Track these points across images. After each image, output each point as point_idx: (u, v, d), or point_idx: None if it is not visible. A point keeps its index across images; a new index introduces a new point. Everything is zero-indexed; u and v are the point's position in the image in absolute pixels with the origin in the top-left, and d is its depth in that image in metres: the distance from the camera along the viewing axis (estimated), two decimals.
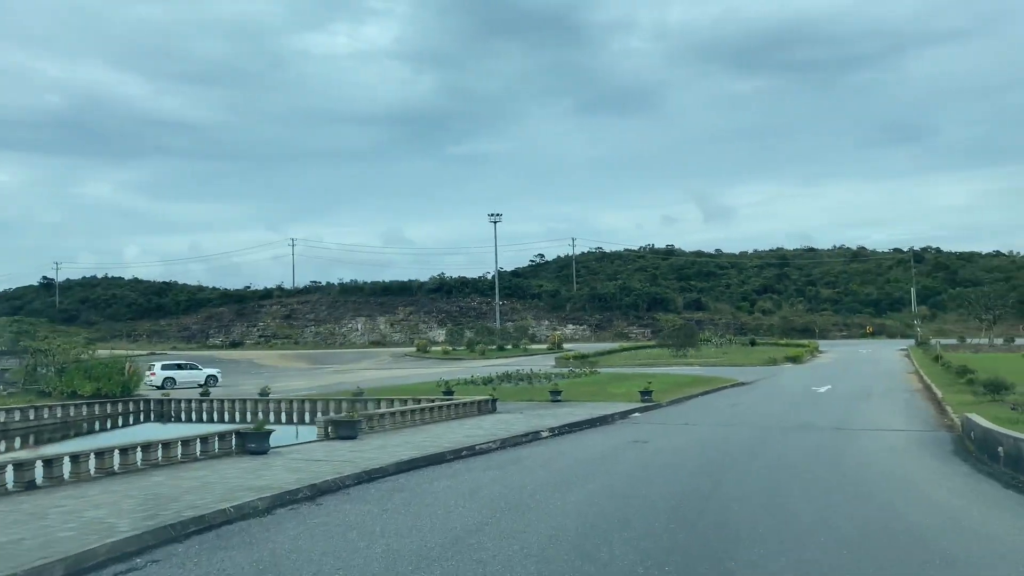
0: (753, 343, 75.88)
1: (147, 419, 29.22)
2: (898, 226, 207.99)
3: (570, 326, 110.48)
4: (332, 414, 24.05)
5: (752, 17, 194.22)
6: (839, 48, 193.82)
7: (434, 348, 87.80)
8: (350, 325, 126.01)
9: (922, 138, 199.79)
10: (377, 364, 76.07)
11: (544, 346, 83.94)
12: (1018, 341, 74.01)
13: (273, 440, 16.10)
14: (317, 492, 10.39)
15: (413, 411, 19.18)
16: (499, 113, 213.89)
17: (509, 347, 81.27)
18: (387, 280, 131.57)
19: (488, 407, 22.21)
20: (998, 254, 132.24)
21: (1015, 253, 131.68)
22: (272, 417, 26.81)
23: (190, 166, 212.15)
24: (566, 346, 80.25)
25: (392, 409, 19.20)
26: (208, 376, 45.84)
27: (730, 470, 11.88)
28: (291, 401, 27.23)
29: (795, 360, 53.56)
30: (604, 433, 17.94)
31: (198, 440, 13.54)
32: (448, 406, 20.63)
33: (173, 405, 29.42)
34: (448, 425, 18.67)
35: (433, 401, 22.16)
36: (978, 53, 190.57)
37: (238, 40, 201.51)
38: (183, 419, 28.30)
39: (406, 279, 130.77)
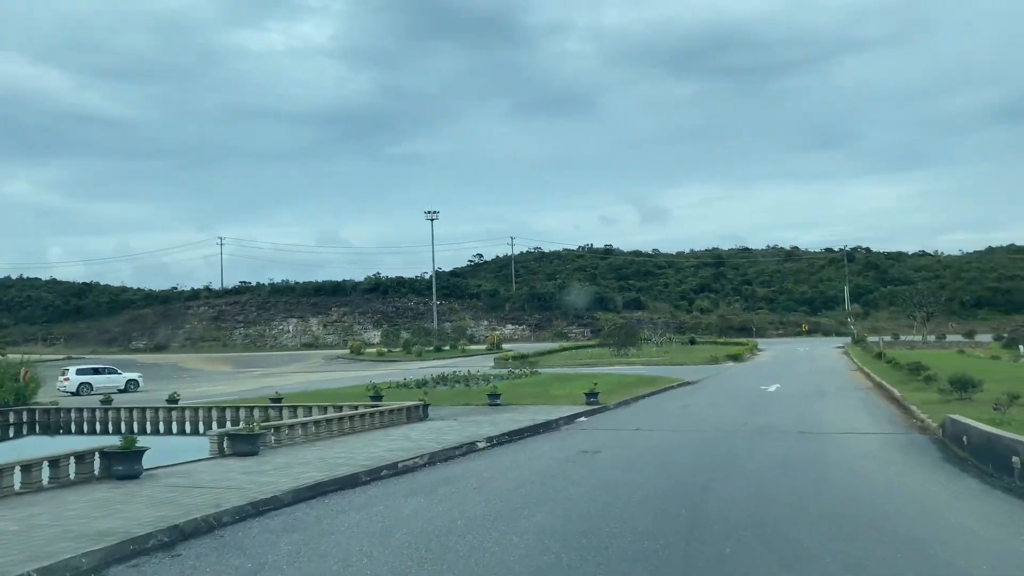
0: (693, 342, 75.35)
1: (32, 431, 25.79)
2: (827, 227, 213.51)
3: (509, 326, 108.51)
4: (242, 423, 21.34)
5: (686, 22, 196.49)
6: (769, 54, 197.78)
7: (369, 350, 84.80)
8: (281, 327, 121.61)
9: (848, 143, 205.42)
10: (308, 367, 72.91)
11: (483, 346, 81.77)
12: (950, 338, 75.25)
13: (155, 458, 13.45)
14: (179, 536, 7.87)
15: (329, 420, 16.65)
16: (437, 113, 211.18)
17: (447, 348, 78.86)
18: (320, 280, 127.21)
19: (419, 413, 19.83)
20: (924, 254, 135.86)
21: (939, 252, 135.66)
22: (175, 427, 23.91)
23: (117, 164, 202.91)
24: (505, 346, 78.24)
25: (303, 419, 16.64)
26: (128, 381, 42.62)
27: (705, 491, 9.82)
28: (196, 409, 24.26)
29: (736, 358, 52.80)
30: (549, 442, 15.80)
31: (45, 464, 10.82)
32: (372, 414, 18.17)
33: (63, 415, 26.01)
34: (371, 436, 16.23)
35: (356, 408, 19.69)
36: (898, 61, 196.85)
37: (167, 35, 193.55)
38: (74, 431, 24.99)
39: (340, 279, 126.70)
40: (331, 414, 17.69)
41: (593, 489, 10.11)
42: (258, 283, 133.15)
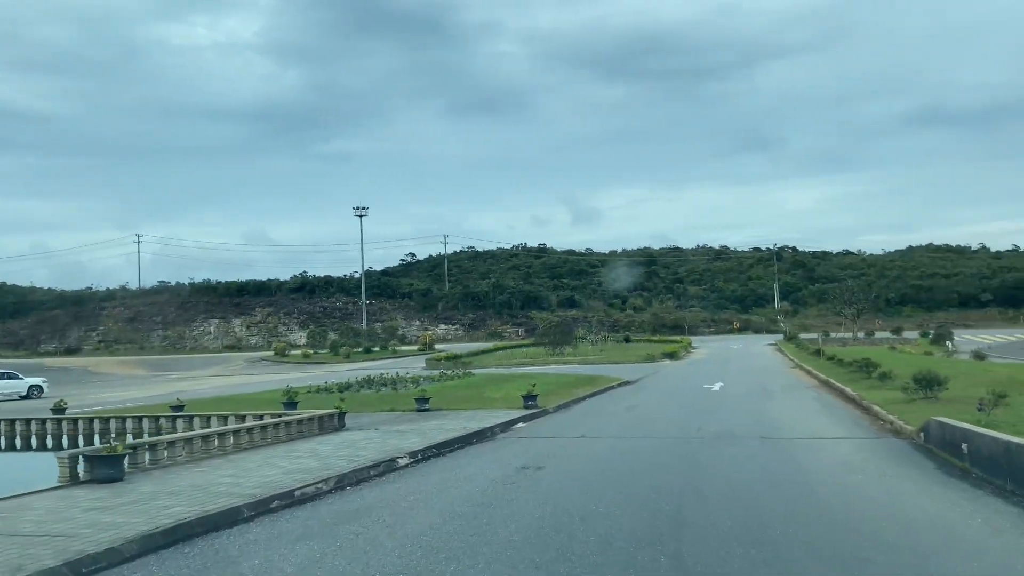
0: (628, 340, 74.77)
1: None
2: (755, 228, 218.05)
3: (442, 326, 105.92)
4: (130, 436, 18.49)
5: (616, 26, 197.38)
6: (697, 59, 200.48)
7: (294, 352, 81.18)
8: (202, 328, 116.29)
9: (772, 146, 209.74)
10: (228, 370, 69.38)
11: (415, 347, 79.18)
12: (878, 335, 76.27)
13: None
14: None
15: (223, 434, 14.01)
16: (369, 112, 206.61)
17: (377, 349, 75.96)
18: (244, 279, 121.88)
19: (333, 423, 17.32)
20: (848, 253, 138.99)
21: (862, 252, 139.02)
22: (51, 442, 20.71)
23: (32, 161, 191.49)
24: (438, 347, 75.82)
25: (188, 434, 13.91)
26: (31, 387, 39.32)
27: (680, 525, 7.73)
28: (76, 420, 21.11)
29: (672, 356, 51.98)
30: (483, 455, 13.58)
31: None
32: (277, 425, 15.58)
33: None
34: (272, 452, 13.70)
35: (262, 417, 17.09)
36: (821, 67, 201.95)
37: (87, 27, 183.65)
38: None
39: (265, 278, 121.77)
40: (228, 426, 15.07)
41: (540, 525, 7.90)
42: (178, 283, 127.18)
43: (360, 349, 74.24)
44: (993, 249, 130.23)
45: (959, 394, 18.77)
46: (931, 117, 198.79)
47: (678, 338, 74.01)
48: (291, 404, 22.89)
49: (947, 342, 61.96)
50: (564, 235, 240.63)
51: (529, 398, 21.17)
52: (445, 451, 13.99)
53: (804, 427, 16.67)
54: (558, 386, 27.54)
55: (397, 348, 77.85)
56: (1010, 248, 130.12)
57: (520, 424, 18.39)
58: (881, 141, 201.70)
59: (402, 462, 12.46)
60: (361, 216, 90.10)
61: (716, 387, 28.33)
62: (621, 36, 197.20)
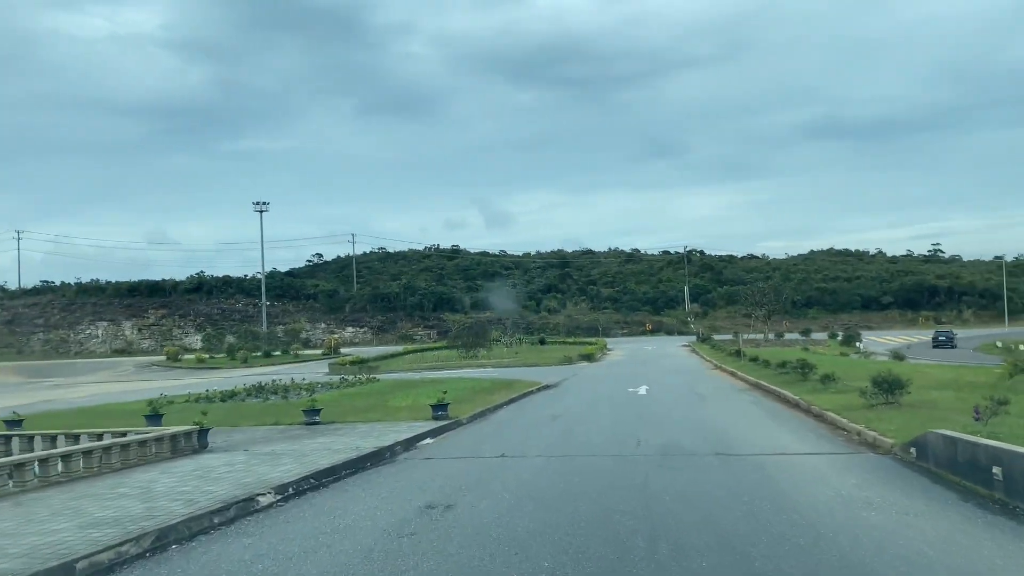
0: (543, 342, 72.73)
1: None
2: (663, 233, 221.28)
3: (349, 329, 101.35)
4: None
5: (528, 32, 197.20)
6: (606, 67, 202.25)
7: (188, 356, 75.51)
8: (89, 331, 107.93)
9: (678, 154, 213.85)
10: (114, 376, 63.74)
11: (319, 351, 74.77)
12: (788, 336, 76.75)
13: None
14: None
15: (21, 465, 10.41)
16: (276, 110, 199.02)
17: (278, 353, 71.28)
18: (135, 279, 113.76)
19: (192, 443, 13.82)
20: (753, 257, 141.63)
21: (766, 256, 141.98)
22: None
23: None
24: (344, 350, 71.80)
25: None
26: None
27: None
28: None
29: (589, 358, 50.26)
30: (376, 487, 10.49)
31: None
32: (111, 448, 12.02)
33: None
34: (89, 488, 10.20)
35: (101, 437, 13.49)
36: (725, 78, 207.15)
37: None
38: None
39: (160, 278, 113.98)
40: (33, 453, 11.44)
41: None
42: (63, 283, 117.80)
43: (260, 353, 69.46)
44: (889, 254, 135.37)
45: (918, 399, 16.98)
46: (828, 128, 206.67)
47: (594, 340, 72.58)
48: (155, 417, 19.25)
49: (856, 343, 62.52)
50: (478, 238, 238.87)
51: (439, 408, 18.20)
52: (327, 481, 10.83)
53: (759, 440, 14.28)
54: (472, 392, 24.74)
55: (300, 352, 73.40)
56: (905, 253, 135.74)
57: (427, 440, 15.37)
58: (781, 150, 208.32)
59: (264, 500, 9.23)
60: (261, 212, 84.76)
61: (642, 391, 26.17)
62: (533, 43, 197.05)
